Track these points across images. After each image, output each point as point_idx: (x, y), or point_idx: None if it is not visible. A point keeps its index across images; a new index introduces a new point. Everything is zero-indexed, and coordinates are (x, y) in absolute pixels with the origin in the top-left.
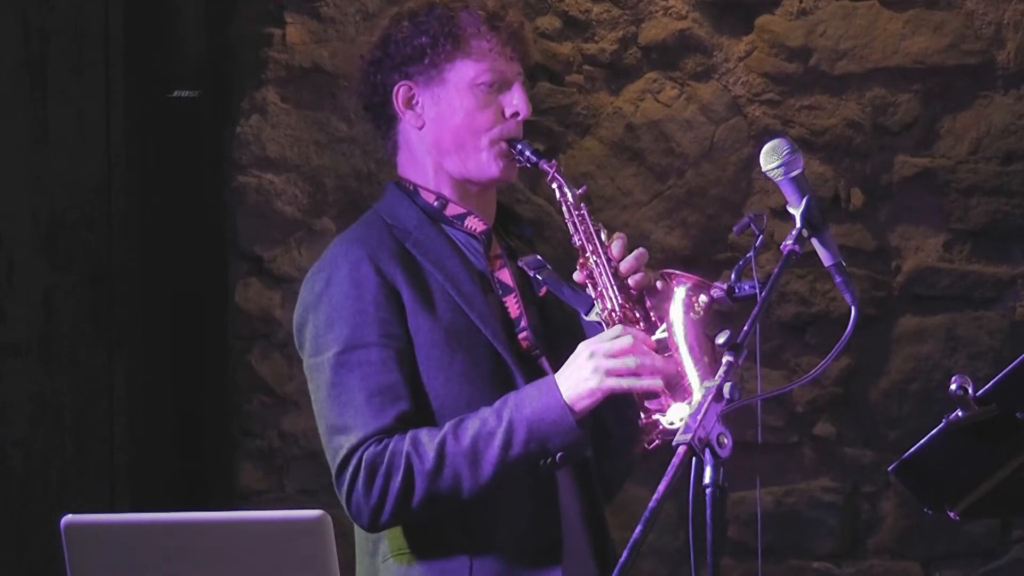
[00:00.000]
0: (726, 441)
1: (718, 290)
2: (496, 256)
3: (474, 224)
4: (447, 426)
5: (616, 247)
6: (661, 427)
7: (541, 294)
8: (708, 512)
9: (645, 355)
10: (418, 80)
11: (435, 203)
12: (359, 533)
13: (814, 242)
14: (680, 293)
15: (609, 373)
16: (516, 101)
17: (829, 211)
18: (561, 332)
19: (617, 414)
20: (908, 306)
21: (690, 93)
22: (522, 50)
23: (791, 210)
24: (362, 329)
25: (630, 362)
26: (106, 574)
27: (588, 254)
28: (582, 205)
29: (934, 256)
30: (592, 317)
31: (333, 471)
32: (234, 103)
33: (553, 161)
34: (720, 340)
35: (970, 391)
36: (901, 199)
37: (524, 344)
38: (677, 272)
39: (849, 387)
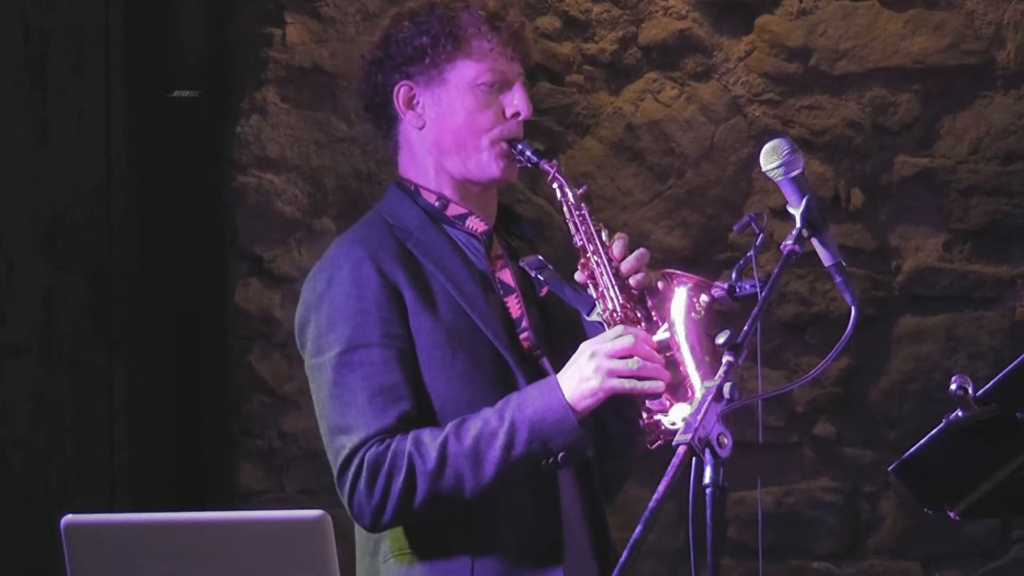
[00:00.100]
0: (726, 441)
1: (719, 290)
2: (497, 256)
3: (475, 224)
4: (449, 426)
5: (617, 247)
6: (663, 427)
7: (542, 294)
8: (708, 512)
9: (647, 355)
10: (419, 80)
11: (436, 203)
12: (360, 533)
13: (814, 242)
14: (681, 293)
15: (611, 373)
16: (517, 101)
17: (829, 211)
18: (562, 332)
19: (618, 414)
20: (908, 306)
21: (690, 93)
22: (523, 50)
23: (791, 210)
24: (364, 329)
25: (632, 362)
26: (106, 574)
27: (589, 254)
28: (583, 205)
29: (934, 256)
30: (593, 317)
31: (335, 471)
32: (234, 103)
33: (554, 161)
34: (720, 340)
35: (970, 391)
36: (901, 199)
37: (525, 344)
38: (678, 272)
39: (849, 387)
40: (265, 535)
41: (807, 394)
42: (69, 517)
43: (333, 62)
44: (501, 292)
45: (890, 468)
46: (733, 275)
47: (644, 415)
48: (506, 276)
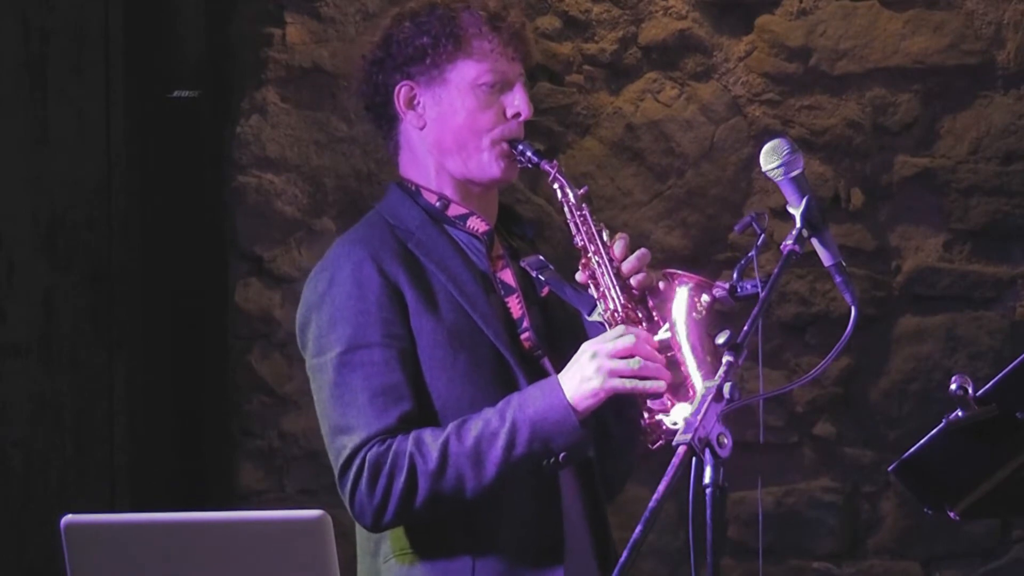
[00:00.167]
0: (726, 441)
1: (720, 290)
2: (498, 256)
3: (476, 224)
4: (450, 427)
5: (618, 247)
6: (664, 427)
7: (543, 294)
8: (708, 512)
9: (648, 355)
10: (420, 80)
11: (437, 203)
12: (361, 533)
13: (814, 242)
14: (682, 293)
15: (612, 374)
16: (517, 102)
17: (829, 211)
18: (563, 332)
19: (619, 414)
20: (908, 306)
21: (690, 93)
22: (524, 51)
23: (791, 210)
24: (365, 329)
25: (633, 362)
26: (106, 574)
27: (590, 254)
28: (584, 205)
29: (934, 256)
30: (595, 317)
31: (336, 471)
32: (234, 103)
33: (555, 162)
34: (720, 340)
35: (970, 391)
36: (901, 199)
37: (526, 345)
38: (679, 272)
39: (849, 387)
40: (265, 535)
41: (807, 394)
42: (69, 517)
43: (333, 62)
44: (502, 292)
45: (890, 468)
46: (734, 275)
47: (645, 415)
48: (507, 276)
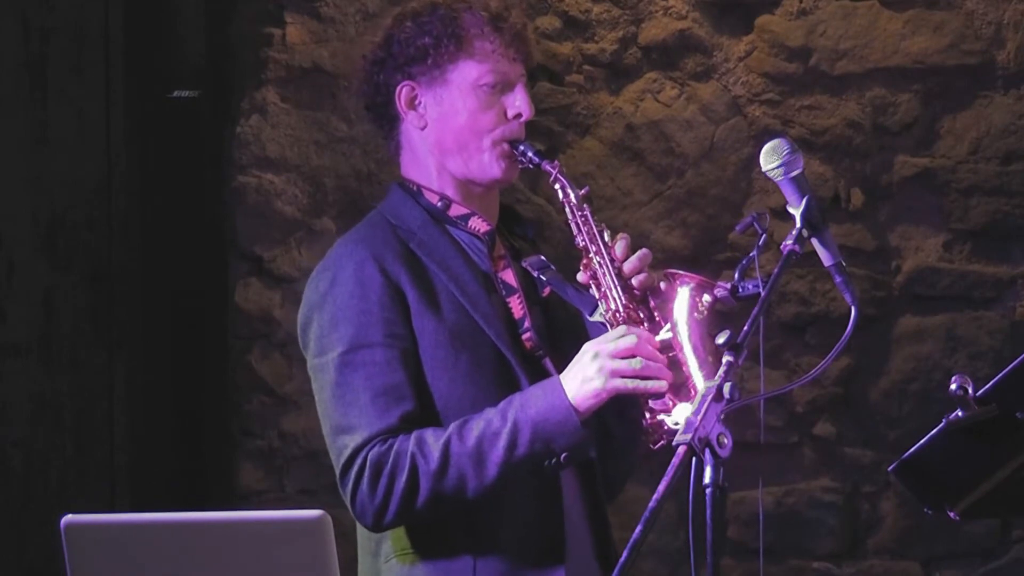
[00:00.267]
0: (726, 441)
1: (722, 290)
2: (500, 257)
3: (478, 225)
4: (452, 427)
5: (619, 247)
6: (666, 427)
7: (545, 295)
8: (708, 512)
9: (649, 355)
10: (421, 80)
11: (439, 204)
12: (362, 533)
13: (814, 242)
14: (684, 293)
15: (614, 374)
16: (519, 102)
17: (829, 211)
18: (565, 333)
19: (620, 414)
20: (908, 306)
21: (690, 93)
22: (525, 51)
23: (791, 210)
24: (367, 329)
25: (635, 363)
26: (106, 574)
27: (591, 255)
28: (585, 206)
29: (934, 256)
30: (596, 318)
31: (337, 471)
32: (234, 103)
33: (556, 162)
34: (720, 340)
35: (970, 391)
36: (901, 199)
37: (528, 345)
38: (681, 272)
39: (849, 387)
40: (265, 535)
41: (807, 394)
42: (69, 517)
43: (333, 62)
44: (504, 292)
45: (890, 468)
46: (736, 275)
47: (647, 415)
48: (509, 276)
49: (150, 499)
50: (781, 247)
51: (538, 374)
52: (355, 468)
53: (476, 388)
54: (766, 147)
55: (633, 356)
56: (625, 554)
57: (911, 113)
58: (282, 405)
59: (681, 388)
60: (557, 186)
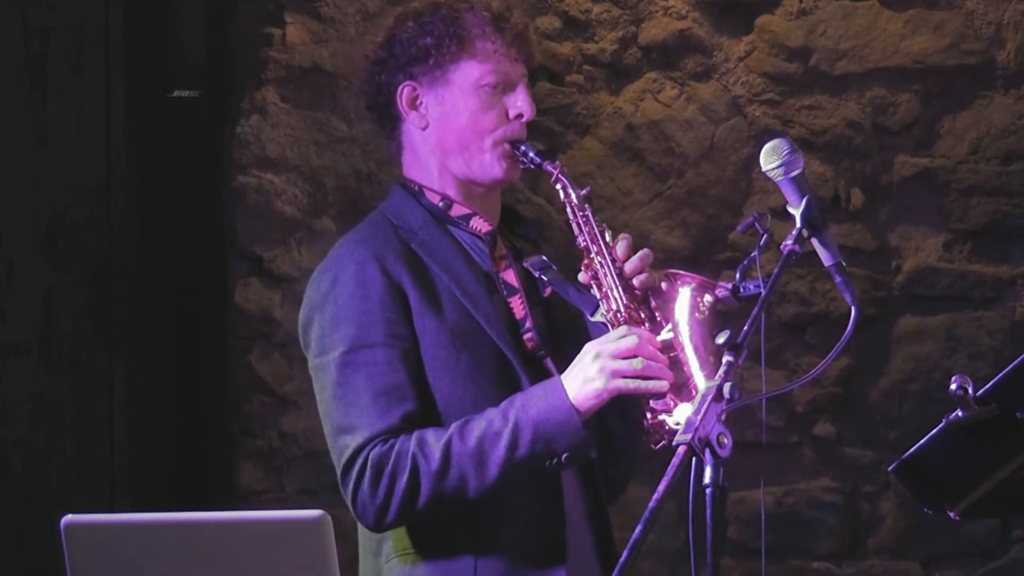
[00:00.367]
0: (726, 441)
1: (723, 290)
2: (501, 257)
3: (479, 225)
4: (453, 427)
5: (620, 248)
6: (667, 428)
7: (546, 295)
8: (708, 512)
9: (651, 355)
10: (422, 81)
11: (440, 204)
12: (363, 533)
13: (814, 242)
14: (685, 293)
15: (615, 374)
16: (520, 103)
17: (829, 211)
18: (566, 333)
19: (622, 415)
20: (908, 306)
21: (690, 93)
22: (527, 51)
23: (791, 210)
24: (368, 329)
25: (636, 363)
26: (106, 574)
27: (593, 255)
28: (586, 206)
29: (934, 256)
30: (597, 318)
31: (338, 471)
32: (234, 103)
33: (557, 162)
34: (720, 340)
35: (970, 391)
36: (901, 199)
37: (529, 345)
38: (682, 272)
39: (849, 387)
40: (265, 535)
41: (807, 394)
42: (69, 517)
43: (333, 62)
44: (505, 293)
45: (890, 468)
46: (737, 275)
47: (648, 415)
48: (510, 277)
49: (150, 499)
50: (781, 247)
51: (539, 374)
52: (356, 468)
53: (477, 388)
54: (766, 147)
55: (634, 356)
56: (625, 554)
57: (911, 113)
58: (282, 405)
59: (682, 388)
60: (558, 186)
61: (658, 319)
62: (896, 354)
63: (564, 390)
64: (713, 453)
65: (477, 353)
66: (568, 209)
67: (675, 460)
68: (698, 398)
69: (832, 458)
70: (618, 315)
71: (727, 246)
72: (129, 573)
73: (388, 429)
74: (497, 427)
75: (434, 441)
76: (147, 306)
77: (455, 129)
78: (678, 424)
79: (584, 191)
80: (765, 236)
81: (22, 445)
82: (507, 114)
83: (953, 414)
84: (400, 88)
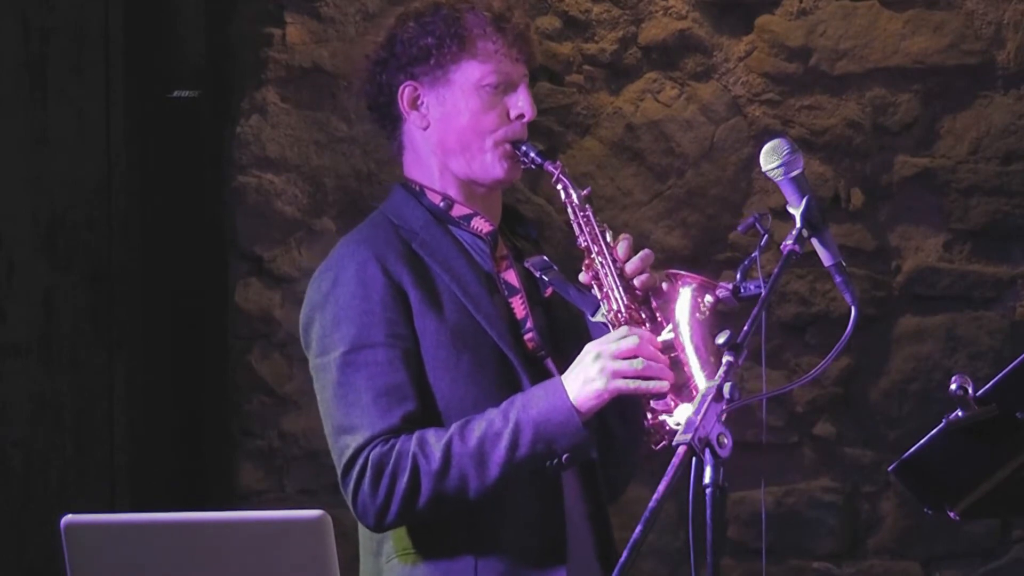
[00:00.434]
0: (726, 441)
1: (724, 290)
2: (502, 257)
3: (480, 225)
4: (453, 427)
5: (621, 248)
6: (668, 428)
7: (547, 295)
8: (708, 512)
9: (651, 356)
10: (423, 81)
11: (441, 204)
12: (363, 533)
13: (814, 242)
14: (686, 293)
15: (615, 374)
16: (521, 103)
17: (829, 211)
18: (567, 333)
19: (622, 415)
20: (908, 306)
21: (690, 93)
22: (528, 52)
23: (791, 210)
24: (369, 329)
25: (636, 363)
26: (106, 574)
27: (593, 255)
28: (587, 206)
29: (934, 256)
30: (598, 318)
31: (339, 471)
32: (234, 103)
33: (558, 163)
34: (720, 340)
35: (970, 391)
36: (901, 199)
37: (530, 345)
38: (682, 272)
39: (849, 387)
40: (265, 535)
41: (807, 394)
42: (69, 517)
43: (333, 62)
44: (506, 293)
45: (890, 468)
46: (737, 275)
47: (649, 416)
48: (511, 277)
49: (150, 499)
50: (781, 247)
51: (540, 375)
52: (357, 468)
53: (478, 388)
54: (766, 147)
55: (635, 357)
56: (625, 554)
57: (911, 113)
58: (282, 405)
59: (683, 389)
60: (559, 187)
61: (659, 319)
62: (896, 354)
63: (565, 390)
64: (713, 453)
65: (478, 353)
66: (569, 209)
67: (675, 460)
68: (698, 398)
69: (832, 458)
70: (619, 315)
71: (727, 246)
72: (129, 573)
73: (389, 429)
74: (498, 427)
75: (435, 441)
76: (147, 306)
77: (456, 129)
78: (678, 424)
79: (585, 191)
80: (765, 236)
81: (22, 445)
82: (508, 114)
83: (953, 414)
84: (401, 88)
